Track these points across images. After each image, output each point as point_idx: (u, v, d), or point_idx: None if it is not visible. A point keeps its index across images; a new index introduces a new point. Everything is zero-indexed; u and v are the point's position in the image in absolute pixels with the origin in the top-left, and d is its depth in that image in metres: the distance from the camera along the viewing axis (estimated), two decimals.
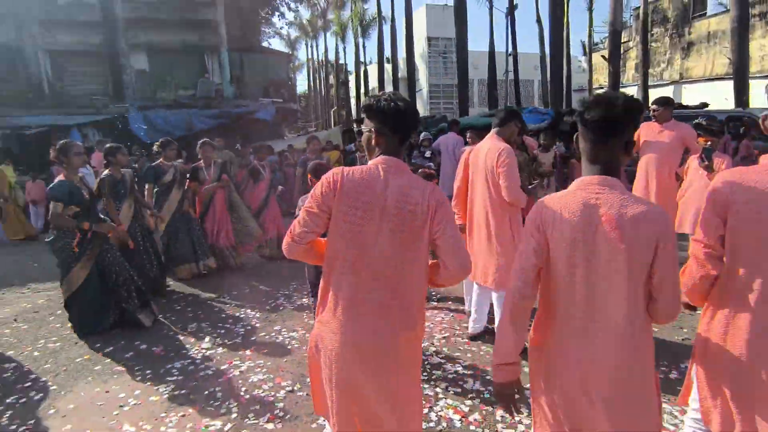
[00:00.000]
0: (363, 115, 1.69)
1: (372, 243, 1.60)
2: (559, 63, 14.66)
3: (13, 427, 2.76)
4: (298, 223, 1.68)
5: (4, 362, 3.63)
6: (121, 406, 2.93)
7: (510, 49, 19.34)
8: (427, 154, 7.03)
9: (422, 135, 8.09)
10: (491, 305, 3.59)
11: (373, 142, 1.67)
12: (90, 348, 3.82)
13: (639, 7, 19.14)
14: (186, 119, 13.78)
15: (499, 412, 2.69)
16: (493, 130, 3.36)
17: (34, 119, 12.18)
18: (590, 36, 24.96)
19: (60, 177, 3.90)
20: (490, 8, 20.83)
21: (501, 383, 1.53)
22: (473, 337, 3.64)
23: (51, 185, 3.86)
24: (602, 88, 26.67)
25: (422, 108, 31.54)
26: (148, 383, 3.21)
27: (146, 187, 5.32)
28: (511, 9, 18.53)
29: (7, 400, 3.06)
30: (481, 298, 3.56)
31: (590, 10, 23.91)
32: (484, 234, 3.33)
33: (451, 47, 34.44)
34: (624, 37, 19.41)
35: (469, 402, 2.81)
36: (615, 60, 13.99)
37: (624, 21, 18.66)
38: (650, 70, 20.19)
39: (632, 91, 22.00)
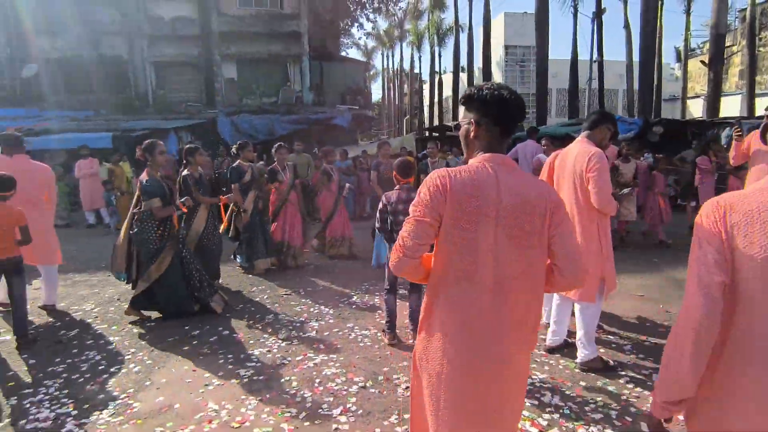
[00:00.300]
0: (462, 107, 1.58)
1: (487, 250, 1.43)
2: (649, 70, 13.70)
3: (116, 393, 3.05)
4: (408, 235, 1.48)
5: (110, 335, 4.03)
6: (206, 385, 3.13)
7: (595, 56, 18.37)
8: (452, 163, 6.92)
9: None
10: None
11: (471, 135, 1.53)
12: (179, 330, 4.13)
13: (745, 8, 17.41)
14: (269, 124, 14.62)
15: (581, 431, 2.53)
16: (583, 134, 3.19)
17: (139, 123, 13.56)
18: (686, 41, 23.05)
19: (143, 175, 4.21)
20: (575, 14, 19.96)
21: (659, 421, 1.29)
22: (551, 350, 3.47)
23: (145, 183, 4.13)
24: (698, 96, 24.51)
25: None
26: (230, 366, 3.40)
27: (233, 186, 5.69)
28: (599, 13, 17.62)
29: (111, 369, 3.39)
30: (561, 310, 3.38)
31: (688, 12, 22.11)
32: None
33: (529, 55, 33.58)
34: (726, 42, 17.72)
35: (547, 416, 2.67)
36: (717, 66, 12.80)
37: (728, 23, 17.02)
38: (757, 78, 18.22)
39: (735, 99, 19.96)
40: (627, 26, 22.40)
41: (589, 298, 3.09)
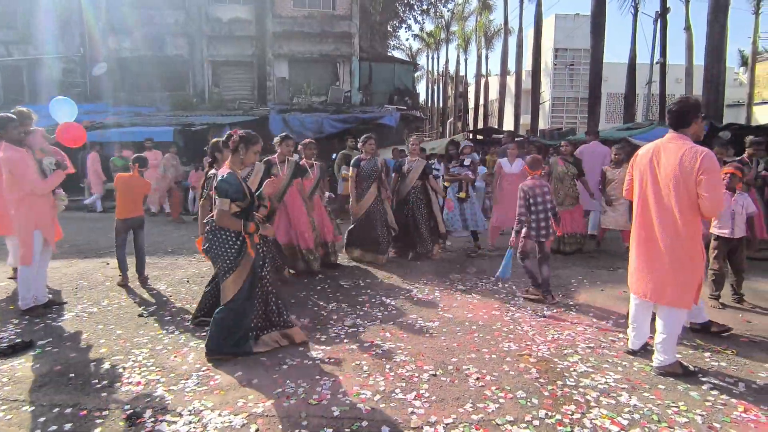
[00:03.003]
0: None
1: None
2: (716, 73, 12.99)
3: (198, 365, 3.22)
4: None
5: (184, 314, 4.25)
6: (281, 364, 3.25)
7: (657, 58, 17.63)
8: (466, 162, 6.75)
9: (463, 143, 8.11)
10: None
11: None
12: None
13: None
14: (318, 122, 14.90)
15: None
16: (673, 131, 3.04)
17: (197, 119, 14.17)
18: (755, 43, 21.72)
19: (225, 168, 3.30)
20: (635, 14, 19.22)
21: None
22: (632, 352, 3.37)
23: (221, 177, 3.19)
24: (766, 103, 23.03)
25: (543, 121, 30.18)
26: (301, 349, 3.51)
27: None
28: (663, 13, 16.91)
29: (190, 344, 3.58)
30: (640, 312, 3.28)
31: (757, 13, 20.84)
32: (665, 246, 2.99)
33: (579, 58, 32.67)
34: None
35: (626, 416, 2.61)
36: None
37: None
38: None
39: None
40: (688, 28, 21.38)
41: (686, 305, 3.00)
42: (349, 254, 6.26)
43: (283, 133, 5.49)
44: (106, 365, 3.23)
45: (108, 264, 6.05)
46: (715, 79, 12.86)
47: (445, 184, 6.71)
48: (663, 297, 3.03)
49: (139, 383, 2.97)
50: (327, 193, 5.97)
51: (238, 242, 3.25)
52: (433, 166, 8.83)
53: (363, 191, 6.01)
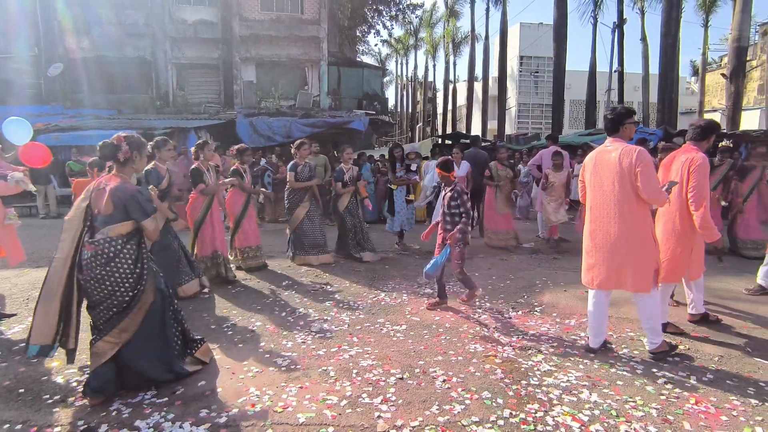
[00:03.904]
0: None
1: None
2: (669, 81, 13.68)
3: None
4: None
5: None
6: (246, 372, 3.18)
7: (615, 66, 18.39)
8: (413, 167, 7.07)
9: (409, 148, 8.57)
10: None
11: None
12: (213, 320, 4.20)
13: (767, 22, 17.34)
14: (286, 126, 14.77)
15: (623, 427, 2.54)
16: (609, 136, 3.40)
17: (160, 122, 13.78)
18: (704, 54, 22.98)
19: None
20: (594, 24, 20.01)
21: None
22: (591, 350, 3.48)
23: (131, 194, 2.80)
24: (716, 110, 24.36)
25: (510, 126, 30.91)
26: (267, 356, 3.45)
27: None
28: (620, 24, 17.67)
29: None
30: (598, 309, 3.42)
31: (706, 26, 22.08)
32: (616, 235, 3.27)
33: (543, 66, 33.67)
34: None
35: (587, 412, 2.69)
36: (738, 79, 12.75)
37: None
38: None
39: (754, 114, 19.84)
40: (644, 38, 22.41)
41: (644, 288, 3.25)
42: (297, 262, 6.20)
43: (201, 140, 5.49)
44: (59, 379, 3.08)
45: None
46: (668, 87, 13.54)
47: (392, 186, 6.94)
48: (624, 283, 3.26)
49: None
50: (262, 194, 6.05)
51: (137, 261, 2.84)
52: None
53: (300, 196, 6.12)
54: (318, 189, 6.51)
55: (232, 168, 5.81)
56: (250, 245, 5.89)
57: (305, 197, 6.15)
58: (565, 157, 7.20)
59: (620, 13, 17.92)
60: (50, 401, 2.81)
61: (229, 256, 5.73)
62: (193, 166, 5.27)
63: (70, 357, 2.95)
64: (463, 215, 4.29)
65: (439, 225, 4.49)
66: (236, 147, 5.90)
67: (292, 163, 6.17)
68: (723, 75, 16.84)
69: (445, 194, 4.44)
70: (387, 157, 7.71)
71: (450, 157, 5.28)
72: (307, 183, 6.13)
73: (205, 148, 5.25)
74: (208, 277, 5.12)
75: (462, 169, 6.92)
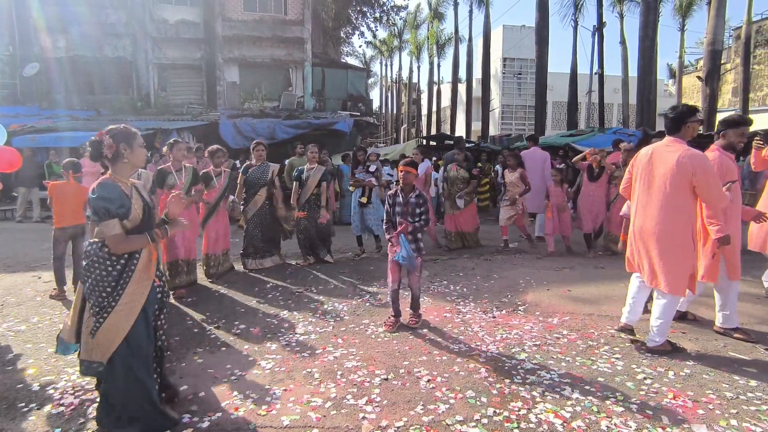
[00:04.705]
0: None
1: None
2: (647, 85, 13.97)
3: None
4: None
5: None
6: (229, 375, 3.15)
7: (595, 69, 18.72)
8: (372, 168, 7.02)
9: (369, 150, 8.52)
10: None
11: None
12: (196, 323, 4.14)
13: (740, 26, 17.85)
14: (270, 128, 14.66)
15: (604, 422, 2.58)
16: (669, 136, 3.36)
17: (142, 123, 13.54)
18: (681, 57, 23.54)
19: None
20: (575, 27, 20.34)
21: None
22: (621, 329, 3.65)
23: (92, 194, 2.45)
24: None
25: (493, 127, 31.20)
26: (251, 359, 3.42)
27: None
28: (600, 27, 18.00)
29: None
30: (639, 291, 3.61)
31: (682, 30, 22.62)
32: (657, 235, 3.35)
33: (527, 68, 34.09)
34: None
35: (569, 408, 2.73)
36: (713, 81, 13.09)
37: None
38: (750, 95, 18.63)
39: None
40: (623, 42, 22.86)
41: (678, 291, 3.32)
42: (248, 267, 5.98)
43: (172, 139, 5.34)
44: (35, 387, 3.01)
45: (40, 278, 5.65)
46: (647, 90, 13.82)
47: (350, 188, 6.94)
48: (656, 282, 3.36)
49: (72, 404, 2.78)
50: (231, 198, 5.76)
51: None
52: (387, 172, 8.97)
53: (248, 198, 5.95)
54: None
55: (202, 171, 5.50)
56: (216, 252, 5.56)
57: (251, 200, 5.94)
58: (540, 158, 7.33)
59: (600, 16, 18.27)
60: (25, 409, 2.74)
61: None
62: (160, 167, 5.10)
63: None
64: (423, 220, 4.00)
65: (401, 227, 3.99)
66: (208, 149, 5.68)
67: (244, 165, 6.14)
68: (699, 78, 17.29)
69: (408, 200, 3.99)
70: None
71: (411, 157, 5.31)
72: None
73: (174, 148, 5.01)
74: (185, 282, 5.05)
75: (420, 169, 6.76)
